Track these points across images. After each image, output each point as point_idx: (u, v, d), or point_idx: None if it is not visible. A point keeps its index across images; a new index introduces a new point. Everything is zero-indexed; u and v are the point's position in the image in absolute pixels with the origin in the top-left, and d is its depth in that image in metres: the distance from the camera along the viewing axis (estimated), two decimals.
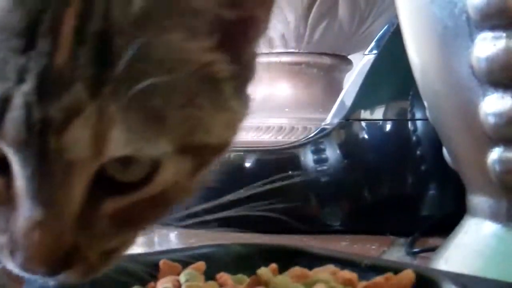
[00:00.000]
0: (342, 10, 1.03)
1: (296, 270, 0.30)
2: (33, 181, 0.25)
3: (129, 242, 0.30)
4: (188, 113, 0.27)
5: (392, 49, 0.73)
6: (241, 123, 0.30)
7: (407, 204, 0.69)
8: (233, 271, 0.31)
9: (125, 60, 0.24)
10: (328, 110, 1.06)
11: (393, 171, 0.70)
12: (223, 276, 0.30)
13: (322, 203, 0.71)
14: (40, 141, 0.24)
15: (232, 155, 0.75)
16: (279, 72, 1.09)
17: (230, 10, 0.27)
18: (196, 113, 0.27)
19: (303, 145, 0.90)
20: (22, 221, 0.25)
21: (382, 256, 0.53)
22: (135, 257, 0.33)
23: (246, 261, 0.32)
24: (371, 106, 0.73)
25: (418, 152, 0.69)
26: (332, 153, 0.70)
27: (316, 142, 0.71)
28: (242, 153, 0.73)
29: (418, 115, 0.71)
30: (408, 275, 0.29)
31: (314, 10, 1.02)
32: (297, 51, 1.08)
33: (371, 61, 0.79)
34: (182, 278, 0.29)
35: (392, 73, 0.75)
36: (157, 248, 0.65)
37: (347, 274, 0.30)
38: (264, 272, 0.30)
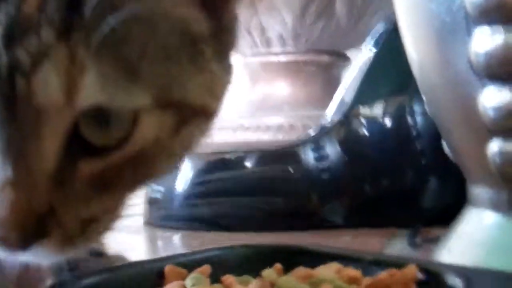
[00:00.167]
0: (339, 7, 1.04)
1: (301, 270, 0.31)
2: (1, 133, 0.24)
3: (111, 211, 0.28)
4: (166, 67, 0.26)
5: (391, 45, 0.74)
6: (223, 90, 0.30)
7: (408, 197, 0.69)
8: (238, 273, 0.31)
9: (93, 5, 0.24)
10: (327, 107, 1.07)
11: (394, 165, 0.70)
12: (229, 278, 0.30)
13: (323, 200, 0.71)
14: (8, 88, 0.23)
15: (233, 155, 0.75)
16: (277, 71, 1.10)
17: None
18: (175, 69, 0.27)
19: (303, 143, 0.91)
20: None
21: (384, 248, 0.53)
22: (139, 265, 0.33)
23: (250, 263, 0.32)
24: (370, 102, 0.73)
25: (418, 146, 0.69)
26: (332, 150, 0.71)
27: (316, 140, 0.71)
28: (242, 154, 0.73)
29: (417, 109, 0.71)
30: (411, 269, 0.30)
31: (311, 9, 1.02)
32: (295, 50, 1.08)
33: (370, 58, 0.80)
34: (188, 282, 0.29)
35: (391, 69, 0.75)
36: (161, 251, 0.66)
37: (352, 271, 0.30)
38: (269, 273, 0.30)
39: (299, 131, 1.03)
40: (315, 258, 0.33)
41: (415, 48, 0.46)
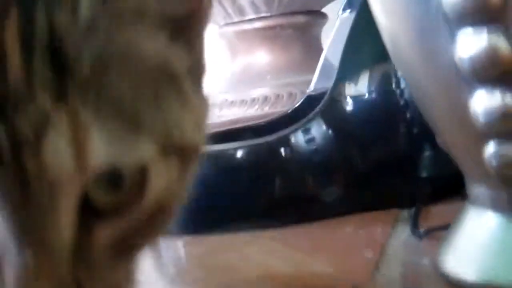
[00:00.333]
0: None
1: None
2: (15, 217, 0.22)
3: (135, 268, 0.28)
4: (159, 111, 0.26)
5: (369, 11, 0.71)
6: (205, 123, 0.30)
7: (404, 167, 0.68)
8: None
9: (83, 63, 0.23)
10: (310, 70, 1.04)
11: (385, 137, 0.69)
12: None
13: (318, 183, 0.70)
14: (14, 168, 0.22)
15: (225, 146, 0.74)
16: (254, 40, 1.06)
17: (174, 6, 0.27)
18: (166, 111, 0.26)
19: (292, 128, 0.89)
20: (13, 272, 0.22)
21: (388, 240, 0.53)
22: None
23: None
24: (355, 73, 0.71)
25: (407, 116, 0.68)
26: (320, 131, 0.69)
27: (304, 124, 0.69)
28: (233, 147, 0.72)
29: (402, 77, 0.69)
30: None
31: None
32: (269, 14, 1.04)
33: (349, 25, 0.77)
34: None
35: (373, 34, 0.72)
36: (165, 258, 0.65)
37: None
38: None
39: (285, 100, 1.01)
40: None
41: (400, 52, 0.44)
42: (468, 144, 0.39)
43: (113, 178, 0.24)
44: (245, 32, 1.06)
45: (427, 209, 0.60)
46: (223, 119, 1.01)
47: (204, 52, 0.31)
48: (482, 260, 0.40)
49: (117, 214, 0.25)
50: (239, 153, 0.71)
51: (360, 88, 0.68)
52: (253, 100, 1.01)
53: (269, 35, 1.06)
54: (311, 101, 0.92)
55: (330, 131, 0.69)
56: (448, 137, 0.43)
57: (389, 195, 0.66)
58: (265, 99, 1.01)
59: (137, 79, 0.25)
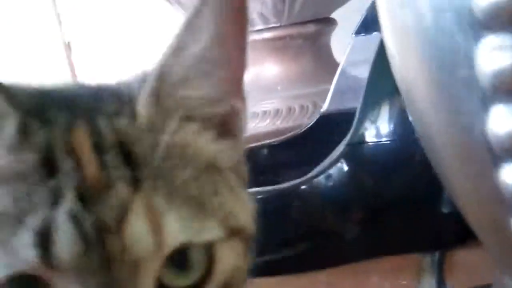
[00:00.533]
0: None
1: None
2: None
3: None
4: (219, 199, 0.29)
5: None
6: (253, 216, 0.32)
7: (424, 205, 0.68)
8: None
9: (153, 159, 0.27)
10: (321, 80, 1.03)
11: (404, 176, 0.68)
12: None
13: (337, 218, 0.69)
14: (98, 251, 0.25)
15: None
16: (263, 50, 1.05)
17: (216, 106, 0.31)
18: (224, 200, 0.30)
19: (304, 139, 0.88)
20: None
21: None
22: None
23: None
24: (374, 115, 0.70)
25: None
26: (339, 172, 0.68)
27: (326, 169, 0.68)
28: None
29: None
30: None
31: None
32: (278, 25, 1.02)
33: (366, 48, 0.76)
34: None
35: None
36: None
37: None
38: None
39: (297, 114, 1.00)
40: None
41: (421, 122, 0.43)
42: (494, 217, 0.39)
43: (182, 261, 0.27)
44: (254, 42, 1.04)
45: (451, 254, 0.60)
46: None
47: (244, 154, 0.34)
48: None
49: None
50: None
51: (380, 130, 0.67)
52: (264, 113, 1.00)
53: (278, 46, 1.04)
54: (324, 121, 0.91)
55: (349, 172, 0.68)
56: (469, 209, 0.43)
57: (410, 233, 0.67)
58: (277, 112, 1.00)
59: (196, 170, 0.29)
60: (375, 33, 0.79)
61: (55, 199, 0.25)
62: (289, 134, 0.89)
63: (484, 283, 0.52)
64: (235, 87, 0.32)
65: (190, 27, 0.29)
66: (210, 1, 0.29)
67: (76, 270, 0.25)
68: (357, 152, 0.67)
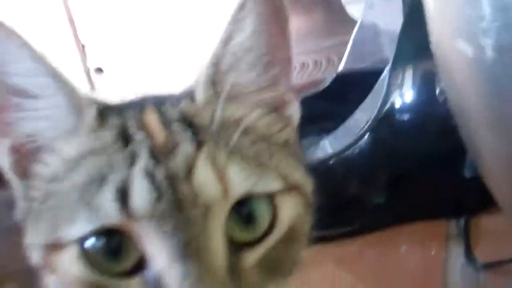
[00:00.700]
0: None
1: None
2: (177, 235, 0.29)
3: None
4: (274, 162, 0.33)
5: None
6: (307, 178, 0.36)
7: (449, 168, 0.70)
8: None
9: (211, 127, 0.32)
10: (334, 34, 1.02)
11: (429, 143, 0.70)
12: None
13: (363, 183, 0.72)
14: (171, 197, 0.29)
15: None
16: None
17: (264, 91, 0.35)
18: (279, 163, 0.34)
19: (322, 99, 0.88)
20: (176, 279, 0.29)
21: (446, 272, 0.56)
22: None
23: None
24: (399, 67, 0.71)
25: (452, 122, 0.68)
26: (367, 141, 0.70)
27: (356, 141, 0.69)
28: None
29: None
30: None
31: None
32: None
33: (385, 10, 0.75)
34: None
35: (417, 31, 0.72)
36: None
37: None
38: None
39: (311, 69, 1.00)
40: None
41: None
42: None
43: (250, 218, 0.31)
44: None
45: (476, 223, 0.63)
46: None
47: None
48: None
49: (258, 243, 0.31)
50: None
51: (405, 97, 0.68)
52: None
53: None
54: (340, 81, 0.92)
55: (375, 140, 0.70)
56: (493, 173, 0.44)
57: (434, 198, 0.69)
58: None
59: (252, 138, 0.33)
60: None
61: (131, 161, 0.30)
62: (306, 94, 0.90)
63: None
64: (283, 79, 0.36)
65: (235, 19, 0.33)
66: None
67: (152, 217, 0.29)
68: (384, 123, 0.69)
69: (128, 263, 0.30)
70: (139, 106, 0.35)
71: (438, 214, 0.68)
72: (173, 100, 0.35)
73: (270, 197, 0.32)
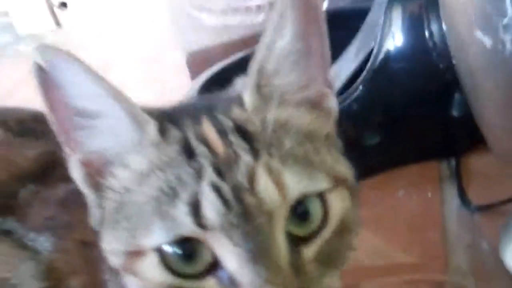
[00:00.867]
0: None
1: None
2: (246, 241, 0.32)
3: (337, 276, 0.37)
4: (320, 158, 0.36)
5: None
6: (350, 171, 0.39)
7: (437, 109, 0.73)
8: None
9: (264, 133, 0.35)
10: None
11: (419, 86, 0.73)
12: None
13: (358, 127, 0.75)
14: (236, 209, 0.32)
15: None
16: None
17: (305, 90, 0.38)
18: (325, 158, 0.36)
19: None
20: (249, 283, 0.32)
21: (444, 213, 0.61)
22: None
23: None
24: (392, 36, 0.72)
25: (441, 65, 0.72)
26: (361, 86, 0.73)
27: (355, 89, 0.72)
28: None
29: (432, 19, 0.72)
30: None
31: None
32: None
33: None
34: None
35: None
36: None
37: None
38: None
39: None
40: None
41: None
42: None
43: (305, 215, 0.34)
44: None
45: (466, 162, 0.67)
46: (231, 28, 1.01)
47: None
48: None
49: (314, 237, 0.34)
50: None
51: (397, 42, 0.70)
52: (259, 7, 1.00)
53: None
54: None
55: (369, 87, 0.72)
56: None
57: (425, 138, 0.73)
58: (258, 8, 1.00)
59: (299, 137, 0.36)
60: None
61: (198, 175, 0.33)
62: None
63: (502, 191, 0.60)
64: (320, 74, 0.38)
65: (276, 26, 0.35)
66: (290, 3, 0.35)
67: (223, 227, 0.32)
68: (378, 72, 0.71)
69: (201, 265, 0.33)
70: (192, 114, 0.37)
71: (430, 155, 0.73)
72: (223, 106, 0.37)
73: (320, 195, 0.35)
